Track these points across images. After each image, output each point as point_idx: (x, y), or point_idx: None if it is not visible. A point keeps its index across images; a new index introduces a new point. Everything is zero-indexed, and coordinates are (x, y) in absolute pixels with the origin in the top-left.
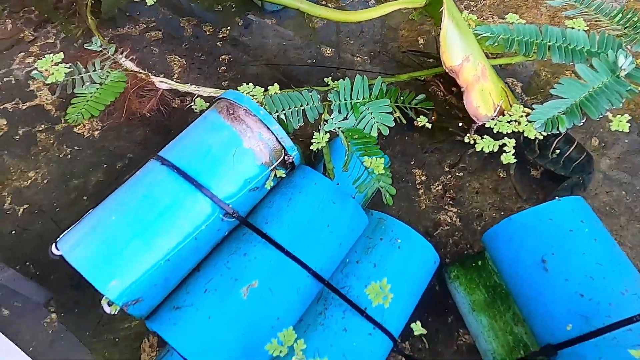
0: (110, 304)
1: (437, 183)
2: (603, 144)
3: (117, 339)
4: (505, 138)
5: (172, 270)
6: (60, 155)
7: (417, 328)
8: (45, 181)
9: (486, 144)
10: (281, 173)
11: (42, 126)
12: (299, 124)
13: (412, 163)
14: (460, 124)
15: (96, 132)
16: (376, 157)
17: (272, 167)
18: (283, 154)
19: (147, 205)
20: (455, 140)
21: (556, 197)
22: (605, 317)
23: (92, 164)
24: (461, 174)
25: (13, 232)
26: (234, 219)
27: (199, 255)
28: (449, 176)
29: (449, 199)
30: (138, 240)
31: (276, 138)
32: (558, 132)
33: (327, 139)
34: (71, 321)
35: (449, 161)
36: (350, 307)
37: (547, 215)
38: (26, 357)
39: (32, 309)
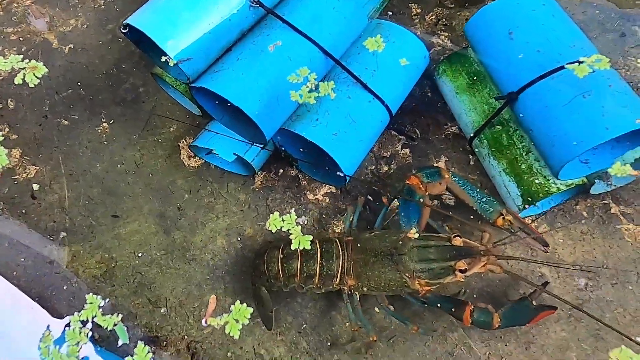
0: (168, 60)
1: (431, 14)
2: None
3: (159, 140)
4: None
5: (212, 41)
6: (95, 6)
7: None
8: (84, 26)
9: None
10: None
11: None
12: None
13: None
14: None
15: None
16: None
17: None
18: None
19: None
20: None
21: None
22: (556, 62)
23: (123, 11)
24: (452, 5)
25: (62, 65)
26: (258, 8)
27: (232, 35)
28: (442, 8)
29: (441, 26)
30: (187, 13)
31: None
32: None
33: None
34: (120, 128)
35: None
36: (353, 81)
37: (515, 1)
38: None
39: (86, 119)
